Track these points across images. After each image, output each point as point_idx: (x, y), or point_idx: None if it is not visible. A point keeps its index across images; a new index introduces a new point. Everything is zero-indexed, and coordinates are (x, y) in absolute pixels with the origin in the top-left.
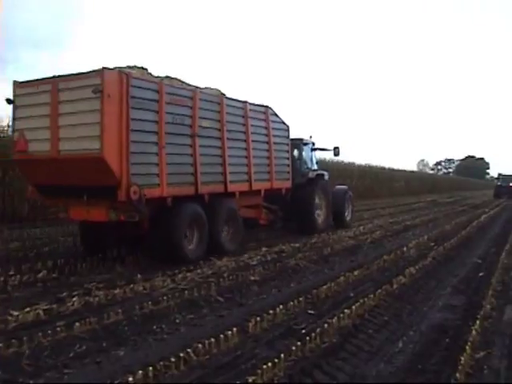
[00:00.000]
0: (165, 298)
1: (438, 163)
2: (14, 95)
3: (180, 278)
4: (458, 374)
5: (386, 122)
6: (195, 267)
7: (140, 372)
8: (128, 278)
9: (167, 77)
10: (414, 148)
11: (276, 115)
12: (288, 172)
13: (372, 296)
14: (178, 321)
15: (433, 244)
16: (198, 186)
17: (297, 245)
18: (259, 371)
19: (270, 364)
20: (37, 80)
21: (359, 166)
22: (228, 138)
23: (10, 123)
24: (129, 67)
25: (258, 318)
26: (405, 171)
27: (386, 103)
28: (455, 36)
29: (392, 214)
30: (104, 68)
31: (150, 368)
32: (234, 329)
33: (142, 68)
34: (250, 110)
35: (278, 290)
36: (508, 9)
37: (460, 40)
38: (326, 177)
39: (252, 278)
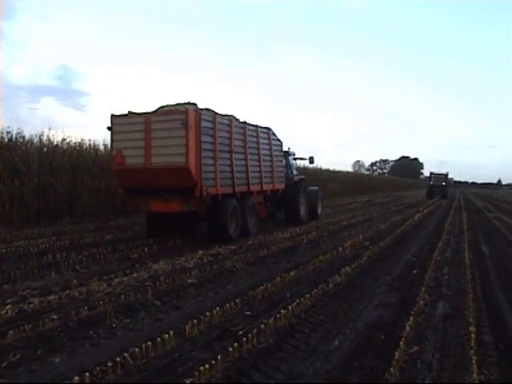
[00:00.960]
0: (101, 302)
1: (374, 164)
2: (112, 124)
3: (116, 283)
4: (392, 369)
5: (323, 124)
6: (131, 271)
7: (76, 378)
8: (63, 284)
9: (206, 109)
10: (350, 149)
11: (274, 134)
12: (283, 177)
13: (308, 296)
14: (114, 325)
15: (368, 243)
16: (234, 187)
17: (233, 247)
18: (196, 373)
19: (207, 366)
20: (130, 113)
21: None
22: (248, 153)
23: (109, 144)
24: (186, 103)
25: (195, 321)
26: (341, 172)
27: (324, 105)
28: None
29: (328, 215)
30: (187, 108)
31: (87, 374)
32: (171, 332)
33: (193, 104)
34: (260, 131)
35: (214, 293)
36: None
37: (397, 42)
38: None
39: (189, 281)
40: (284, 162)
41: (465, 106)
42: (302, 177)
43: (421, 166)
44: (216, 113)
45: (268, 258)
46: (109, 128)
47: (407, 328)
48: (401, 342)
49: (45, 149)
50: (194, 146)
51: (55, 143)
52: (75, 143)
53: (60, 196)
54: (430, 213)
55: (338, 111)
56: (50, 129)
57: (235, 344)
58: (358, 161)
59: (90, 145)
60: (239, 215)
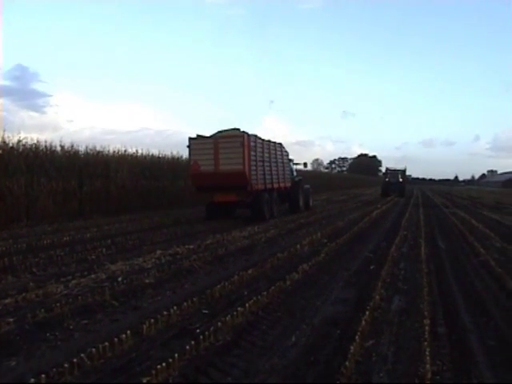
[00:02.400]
0: (58, 304)
1: (332, 162)
2: (190, 143)
3: (74, 284)
4: (347, 363)
5: (281, 122)
6: (89, 272)
7: (32, 380)
8: (20, 287)
9: (243, 131)
10: (309, 148)
11: (283, 146)
12: (289, 178)
13: (265, 293)
14: (71, 327)
15: (326, 240)
16: (266, 184)
17: (191, 246)
18: (154, 372)
19: (164, 364)
20: (200, 136)
21: None
22: (271, 162)
23: (188, 156)
24: (233, 129)
25: (153, 320)
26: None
27: (283, 100)
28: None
29: (286, 214)
30: (244, 132)
31: (43, 375)
32: (129, 332)
33: (237, 129)
34: (276, 146)
35: (172, 292)
36: None
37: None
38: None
39: (147, 281)
40: (290, 167)
41: (424, 103)
42: (300, 177)
43: (379, 163)
44: (255, 135)
45: (226, 257)
46: (188, 146)
47: (363, 323)
48: (356, 337)
49: (0, 151)
50: (247, 158)
51: (11, 145)
52: (31, 145)
53: (16, 198)
54: (387, 209)
55: (295, 109)
56: (4, 130)
57: (192, 342)
58: (317, 159)
59: (46, 146)
60: (269, 203)
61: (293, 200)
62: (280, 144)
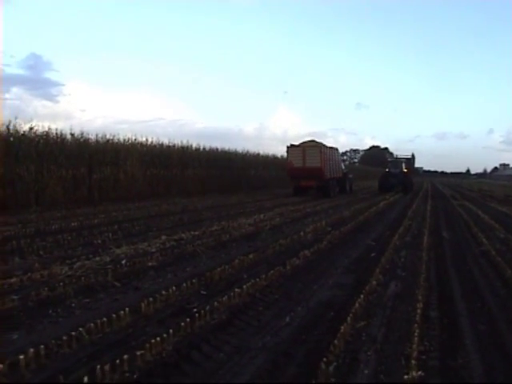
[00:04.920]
0: (61, 284)
1: (344, 153)
2: (287, 149)
3: (78, 266)
4: (336, 341)
5: (294, 113)
6: (94, 255)
7: (31, 350)
8: (26, 267)
9: (313, 140)
10: (322, 140)
11: (337, 149)
12: (340, 170)
13: (264, 276)
14: (73, 305)
15: (330, 229)
16: (330, 175)
17: (196, 232)
18: (148, 346)
19: (158, 339)
20: (293, 145)
21: (263, 157)
22: (333, 160)
23: (286, 155)
24: (311, 140)
25: (151, 299)
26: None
27: (295, 94)
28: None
29: (294, 203)
30: (320, 143)
31: (42, 346)
32: (127, 309)
33: (313, 140)
34: (333, 149)
35: (174, 275)
36: None
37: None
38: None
39: (149, 264)
40: (341, 163)
41: (438, 96)
42: (347, 170)
43: (391, 155)
44: (324, 145)
45: (229, 243)
46: (287, 151)
47: (356, 305)
48: (348, 318)
49: (11, 138)
50: (322, 159)
51: (22, 132)
52: (42, 132)
53: (27, 185)
54: (395, 201)
55: (309, 100)
56: (16, 118)
57: (188, 320)
58: None
59: (56, 134)
60: (332, 187)
61: (342, 185)
62: (336, 148)
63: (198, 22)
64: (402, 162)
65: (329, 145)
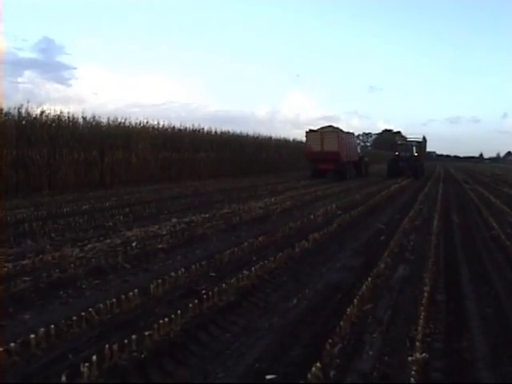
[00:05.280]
0: (72, 265)
1: (357, 137)
2: (306, 134)
3: (89, 248)
4: (342, 323)
5: (306, 96)
6: (105, 238)
7: (42, 330)
8: (38, 250)
9: (330, 126)
10: (335, 123)
11: (353, 134)
12: (357, 154)
13: (273, 259)
14: (83, 286)
15: (340, 212)
16: (347, 158)
17: (207, 215)
18: (156, 326)
19: (166, 320)
20: (312, 130)
21: (275, 140)
22: (349, 144)
23: (305, 140)
24: (329, 126)
25: (160, 281)
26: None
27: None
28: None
29: (306, 186)
30: (337, 128)
31: (52, 326)
32: (136, 290)
33: (331, 126)
34: (350, 134)
35: (183, 257)
36: None
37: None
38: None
39: (159, 246)
40: (357, 147)
41: (452, 79)
42: (363, 154)
43: (401, 138)
44: (341, 130)
45: (239, 226)
46: (306, 136)
47: (364, 288)
48: (355, 300)
49: (23, 122)
50: (339, 143)
51: (34, 116)
52: (54, 116)
53: (39, 168)
54: (407, 185)
55: (322, 84)
56: (28, 102)
57: (196, 301)
58: None
59: (68, 118)
60: (349, 170)
61: (359, 168)
62: (353, 133)
63: (212, 4)
64: (412, 146)
65: (345, 130)
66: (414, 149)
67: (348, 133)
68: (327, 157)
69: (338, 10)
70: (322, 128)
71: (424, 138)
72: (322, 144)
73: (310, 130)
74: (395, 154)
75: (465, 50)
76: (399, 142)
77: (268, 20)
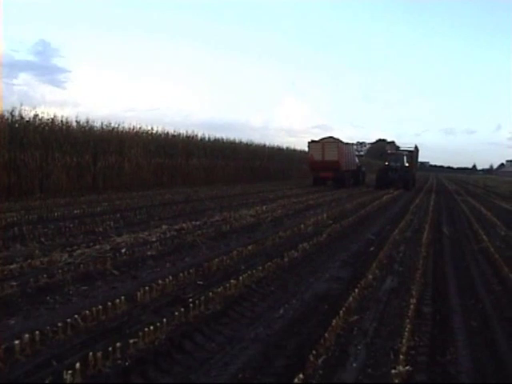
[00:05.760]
0: (60, 271)
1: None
2: (309, 144)
3: (78, 254)
4: (327, 334)
5: (300, 106)
6: (94, 244)
7: (27, 336)
8: (27, 254)
9: (331, 137)
10: (329, 132)
11: (352, 145)
12: (354, 164)
13: (261, 268)
14: (71, 292)
15: (331, 222)
16: (346, 167)
17: (197, 223)
18: (141, 334)
19: (152, 328)
20: (313, 141)
21: (269, 148)
22: (348, 155)
23: (307, 150)
24: (330, 137)
25: (147, 288)
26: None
27: (303, 86)
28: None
29: (298, 195)
30: (337, 139)
31: (37, 332)
32: (123, 297)
33: (331, 136)
34: (348, 144)
35: (172, 264)
36: None
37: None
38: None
39: (149, 253)
40: (355, 157)
41: (447, 91)
42: (360, 164)
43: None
44: (341, 141)
45: (229, 234)
46: (308, 147)
47: (350, 299)
48: (341, 312)
49: (16, 125)
50: (339, 153)
51: (27, 119)
52: (47, 119)
53: (31, 172)
54: (399, 195)
55: (316, 92)
56: (21, 104)
57: (182, 309)
58: None
59: (62, 121)
60: (347, 178)
61: (356, 177)
62: (352, 144)
63: (209, 10)
64: (403, 155)
65: (339, 139)
66: (405, 159)
67: (347, 143)
68: (328, 165)
69: (334, 18)
70: (324, 139)
71: (416, 148)
72: (323, 153)
73: (312, 141)
74: (385, 164)
75: (460, 61)
76: (389, 152)
77: (264, 27)
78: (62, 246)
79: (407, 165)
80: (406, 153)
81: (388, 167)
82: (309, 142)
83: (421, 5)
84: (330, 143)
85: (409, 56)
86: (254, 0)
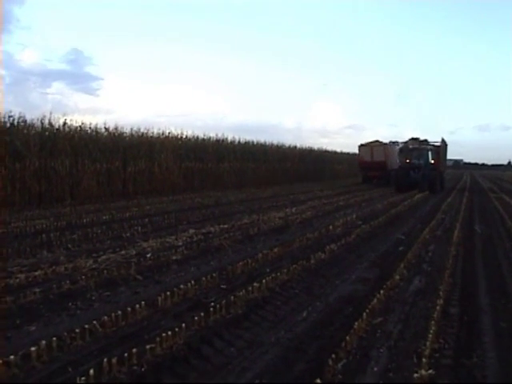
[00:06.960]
0: (83, 277)
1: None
2: (359, 147)
3: (103, 259)
4: (348, 338)
5: (332, 107)
6: (120, 249)
7: (43, 342)
8: (52, 261)
9: (377, 140)
10: (362, 132)
11: (397, 144)
12: (397, 163)
13: (286, 271)
14: (93, 298)
15: (360, 222)
16: (391, 167)
17: (225, 226)
18: (159, 339)
19: (170, 333)
20: (362, 144)
21: (300, 149)
22: (392, 154)
23: (358, 152)
24: (377, 140)
25: (169, 293)
26: (348, 154)
27: (335, 87)
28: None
29: (328, 196)
30: (384, 142)
31: (55, 339)
32: (143, 303)
33: (378, 140)
34: (393, 145)
35: (196, 268)
36: None
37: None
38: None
39: (174, 258)
40: (396, 156)
41: (482, 87)
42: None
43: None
44: (386, 143)
45: (257, 237)
46: (359, 149)
47: (375, 301)
48: (364, 314)
49: (46, 132)
50: (386, 154)
51: (57, 127)
52: (77, 127)
53: (61, 179)
54: (430, 194)
55: (349, 92)
56: (51, 113)
57: (202, 314)
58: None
59: (91, 128)
60: (393, 177)
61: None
62: (397, 143)
63: (238, 15)
64: (427, 150)
65: (372, 139)
66: (430, 154)
67: (393, 143)
68: (376, 165)
69: (365, 18)
70: (372, 142)
71: (443, 141)
72: (372, 155)
73: (362, 144)
74: (405, 162)
75: (493, 56)
76: (411, 147)
77: (295, 32)
78: (88, 251)
79: (433, 162)
80: (431, 147)
81: (409, 165)
82: (359, 146)
83: (454, 2)
84: (377, 146)
85: (441, 53)
86: (284, 5)
